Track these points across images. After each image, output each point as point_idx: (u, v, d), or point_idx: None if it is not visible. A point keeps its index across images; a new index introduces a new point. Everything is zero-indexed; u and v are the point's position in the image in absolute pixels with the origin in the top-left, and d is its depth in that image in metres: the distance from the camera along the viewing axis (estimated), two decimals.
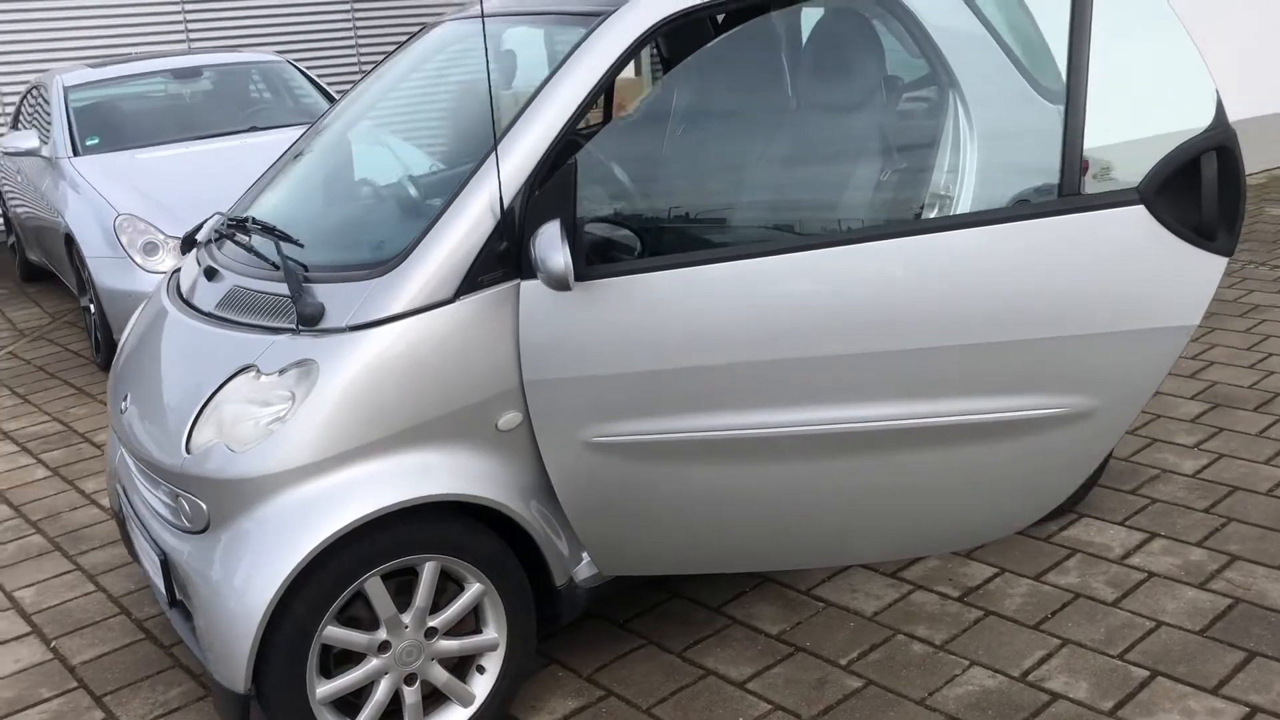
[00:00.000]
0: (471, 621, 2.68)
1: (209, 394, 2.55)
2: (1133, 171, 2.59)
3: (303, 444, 2.40)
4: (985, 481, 2.60)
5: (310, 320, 2.50)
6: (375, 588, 2.48)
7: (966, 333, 2.40)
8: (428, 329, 2.46)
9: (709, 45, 2.72)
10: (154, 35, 10.75)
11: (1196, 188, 2.33)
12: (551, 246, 2.31)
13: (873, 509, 2.66)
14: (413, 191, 2.91)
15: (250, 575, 2.37)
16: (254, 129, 6.91)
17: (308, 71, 7.77)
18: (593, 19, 2.75)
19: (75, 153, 6.58)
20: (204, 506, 2.49)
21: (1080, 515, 3.59)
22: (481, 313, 2.50)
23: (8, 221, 8.49)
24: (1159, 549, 3.36)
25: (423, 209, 2.64)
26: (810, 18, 3.15)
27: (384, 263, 2.53)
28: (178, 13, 10.79)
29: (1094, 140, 2.44)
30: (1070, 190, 2.40)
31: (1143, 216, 2.36)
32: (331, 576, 2.41)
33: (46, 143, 6.81)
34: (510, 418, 2.57)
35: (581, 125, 3.78)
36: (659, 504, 2.65)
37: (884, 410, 2.48)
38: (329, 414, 2.41)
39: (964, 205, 3.05)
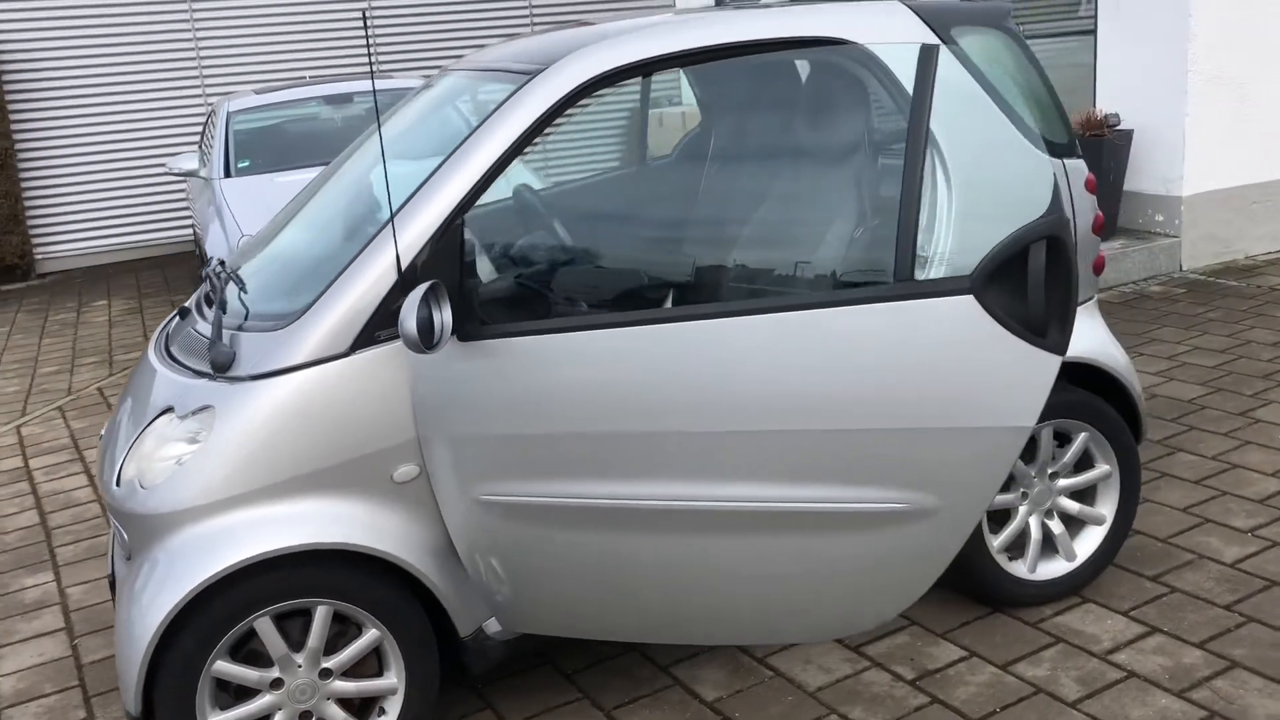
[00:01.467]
0: (375, 664, 2.75)
1: (139, 432, 2.74)
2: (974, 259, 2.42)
3: (197, 486, 2.54)
4: (832, 573, 2.46)
5: (219, 367, 2.64)
6: (264, 627, 2.59)
7: (804, 418, 2.29)
8: (323, 381, 2.55)
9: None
10: (343, 58, 11.46)
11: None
12: (409, 311, 2.36)
13: (724, 590, 2.57)
14: (343, 246, 3.01)
15: (145, 606, 2.52)
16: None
17: None
18: (523, 78, 2.78)
19: (226, 174, 7.11)
20: (126, 536, 2.67)
21: (1084, 600, 3.32)
22: (377, 367, 2.57)
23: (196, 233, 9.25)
24: (1153, 646, 3.07)
25: (341, 264, 2.73)
26: (744, 75, 3.06)
27: (291, 315, 2.64)
28: (359, 36, 11.46)
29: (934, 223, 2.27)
30: (903, 275, 2.24)
31: (972, 307, 2.17)
32: (219, 613, 2.54)
33: (206, 164, 7.39)
34: (406, 470, 2.63)
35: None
36: (541, 566, 2.65)
37: (729, 491, 2.39)
38: (222, 459, 2.53)
39: (938, 268, 2.91)
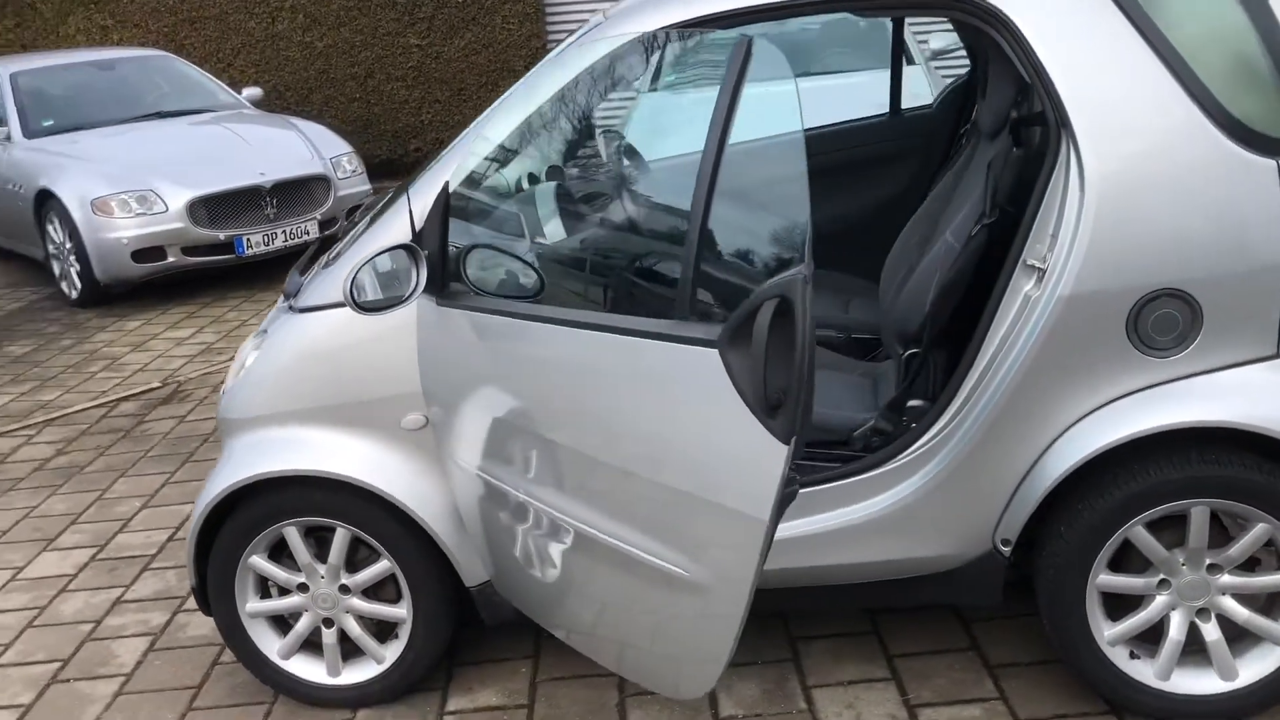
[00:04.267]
0: (395, 592, 2.91)
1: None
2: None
3: (243, 400, 2.84)
4: (636, 621, 2.12)
5: (287, 295, 2.89)
6: (291, 535, 2.85)
7: (596, 446, 2.00)
8: (344, 323, 2.70)
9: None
10: None
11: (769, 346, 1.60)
12: (351, 271, 2.41)
13: (573, 602, 2.35)
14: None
15: (200, 498, 2.89)
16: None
17: None
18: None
19: (653, 87, 7.41)
20: None
21: None
22: (390, 318, 2.66)
23: None
24: None
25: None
26: None
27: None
28: None
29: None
30: (681, 313, 1.81)
31: (715, 365, 1.69)
32: (251, 516, 2.83)
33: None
34: (413, 419, 2.71)
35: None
36: (493, 539, 2.61)
37: (571, 507, 2.17)
38: (261, 380, 2.80)
39: (1065, 285, 2.39)
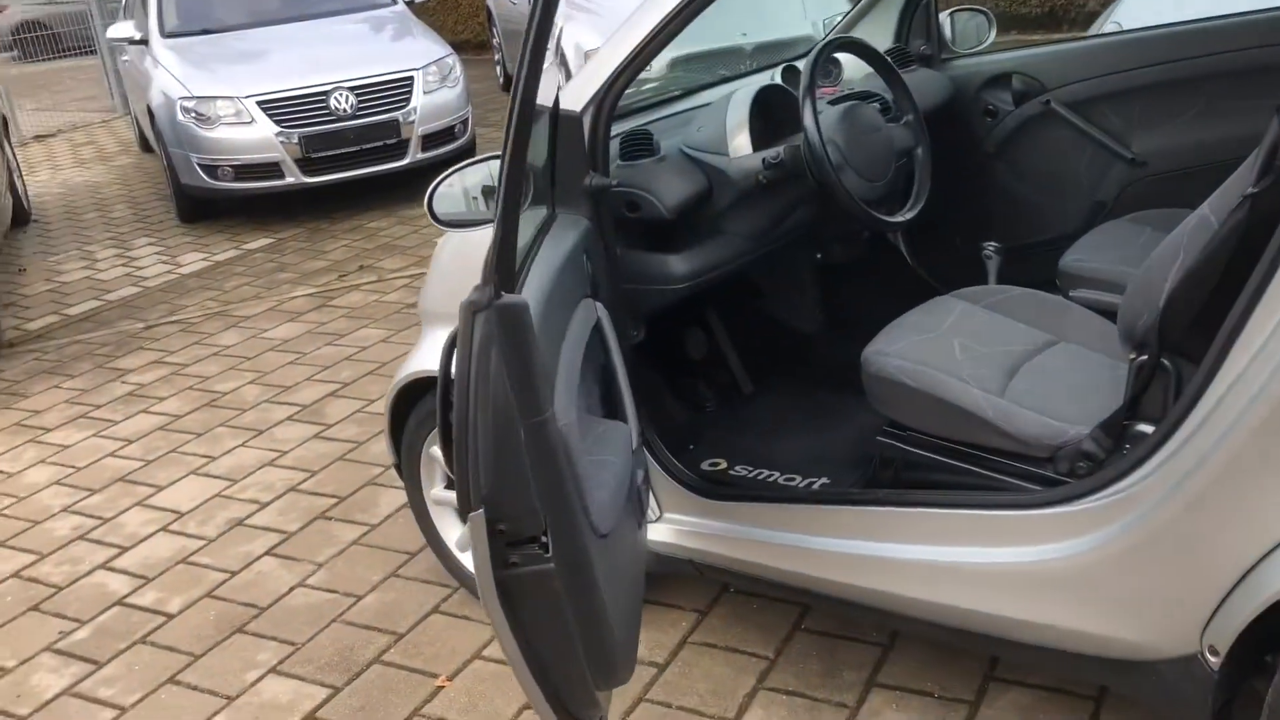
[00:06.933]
0: None
1: None
2: None
3: (425, 293, 2.84)
4: None
5: None
6: None
7: None
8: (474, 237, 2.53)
9: None
10: None
11: None
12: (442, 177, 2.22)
13: None
14: None
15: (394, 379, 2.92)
16: None
17: None
18: None
19: None
20: None
21: None
22: None
23: None
24: None
25: None
26: None
27: None
28: None
29: None
30: None
31: None
32: (426, 408, 2.81)
33: None
34: None
35: None
36: None
37: None
38: (436, 276, 2.79)
39: None
